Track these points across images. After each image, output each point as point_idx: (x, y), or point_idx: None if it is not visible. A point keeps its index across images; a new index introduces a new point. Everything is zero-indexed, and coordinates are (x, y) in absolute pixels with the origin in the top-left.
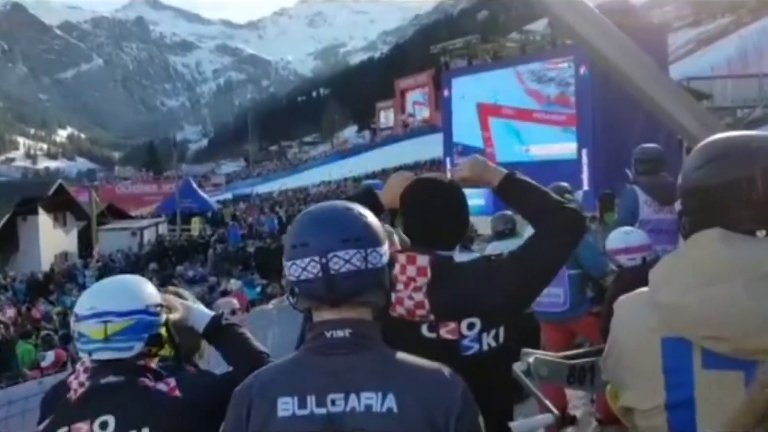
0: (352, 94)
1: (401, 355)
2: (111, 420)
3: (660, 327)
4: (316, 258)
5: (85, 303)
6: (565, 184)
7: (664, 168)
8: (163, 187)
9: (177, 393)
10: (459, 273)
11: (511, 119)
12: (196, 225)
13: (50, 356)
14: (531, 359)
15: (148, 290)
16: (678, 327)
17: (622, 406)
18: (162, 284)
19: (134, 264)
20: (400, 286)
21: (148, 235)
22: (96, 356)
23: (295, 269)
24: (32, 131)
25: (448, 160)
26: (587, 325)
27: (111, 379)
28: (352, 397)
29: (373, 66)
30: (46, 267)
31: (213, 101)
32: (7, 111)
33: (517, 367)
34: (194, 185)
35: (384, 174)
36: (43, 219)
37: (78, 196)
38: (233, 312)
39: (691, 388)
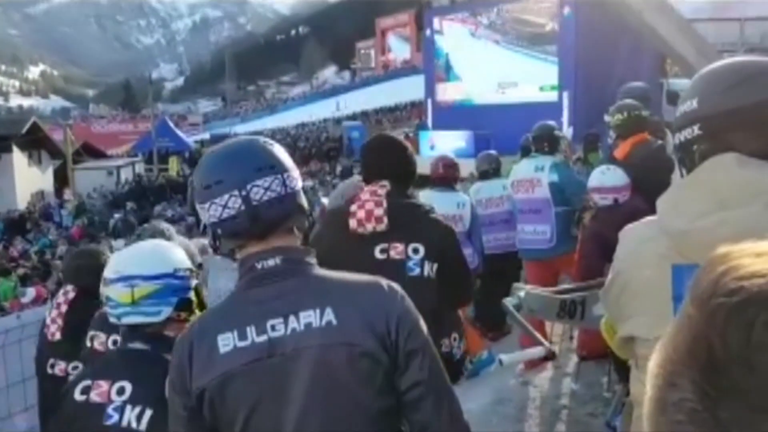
0: (331, 33)
1: (336, 274)
2: (128, 387)
3: (670, 253)
4: (236, 192)
5: (112, 267)
6: (552, 123)
7: (648, 107)
8: (139, 126)
9: None
10: (411, 206)
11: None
12: (173, 164)
13: (30, 292)
14: (522, 293)
15: (177, 254)
16: (690, 253)
17: (623, 336)
18: (140, 224)
19: (111, 203)
20: (368, 205)
21: (125, 175)
22: (124, 320)
23: (215, 209)
24: (3, 68)
25: (429, 101)
26: (572, 262)
27: (137, 345)
28: (291, 318)
29: (354, 4)
30: (22, 206)
31: (189, 39)
32: None
33: (509, 302)
34: (171, 124)
35: (364, 116)
36: (18, 157)
37: (53, 134)
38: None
39: None
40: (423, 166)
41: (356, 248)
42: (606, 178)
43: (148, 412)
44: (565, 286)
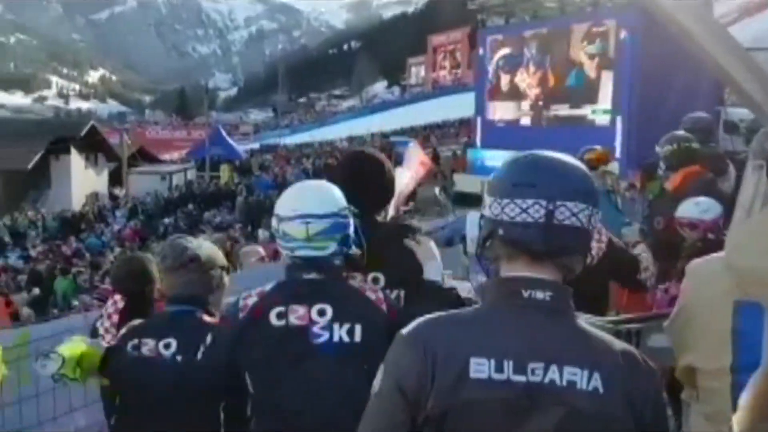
0: (383, 48)
1: (593, 329)
2: (329, 309)
3: (734, 290)
4: (543, 202)
5: (287, 205)
6: (597, 147)
7: (711, 139)
8: (192, 133)
9: (384, 307)
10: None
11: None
12: (224, 172)
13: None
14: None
15: (338, 195)
16: (752, 291)
17: (686, 366)
18: (190, 229)
19: (164, 207)
20: None
21: (177, 180)
22: (298, 253)
23: (513, 209)
24: (65, 71)
25: (479, 120)
26: (615, 292)
27: (313, 275)
28: (553, 368)
29: (407, 20)
30: (77, 206)
31: (244, 49)
32: (41, 50)
33: None
34: (224, 133)
35: (412, 131)
36: (75, 159)
37: (109, 137)
38: (261, 259)
39: (759, 352)
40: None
41: None
42: (706, 213)
43: (358, 327)
44: (625, 316)
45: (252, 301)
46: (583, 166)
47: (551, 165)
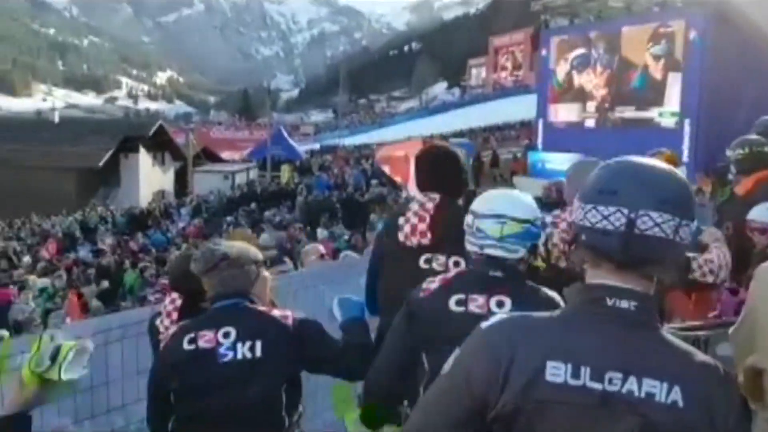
0: (444, 49)
1: (678, 342)
2: (508, 302)
3: None
4: (625, 210)
5: (485, 204)
6: (665, 150)
7: None
8: (254, 133)
9: None
10: (458, 220)
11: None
12: (285, 172)
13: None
14: None
15: (535, 205)
16: None
17: (753, 367)
18: (252, 227)
19: (226, 206)
20: (413, 219)
21: (239, 179)
22: (487, 251)
23: (595, 215)
24: (134, 72)
25: (540, 122)
26: (675, 298)
27: (498, 273)
28: (632, 379)
29: (468, 22)
30: (144, 203)
31: (306, 51)
32: (113, 51)
33: None
34: (285, 134)
35: (472, 133)
36: (144, 157)
37: (175, 137)
38: (322, 256)
39: None
40: (532, 188)
41: (404, 257)
42: None
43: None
44: (692, 323)
45: (434, 285)
46: (679, 175)
47: (638, 172)
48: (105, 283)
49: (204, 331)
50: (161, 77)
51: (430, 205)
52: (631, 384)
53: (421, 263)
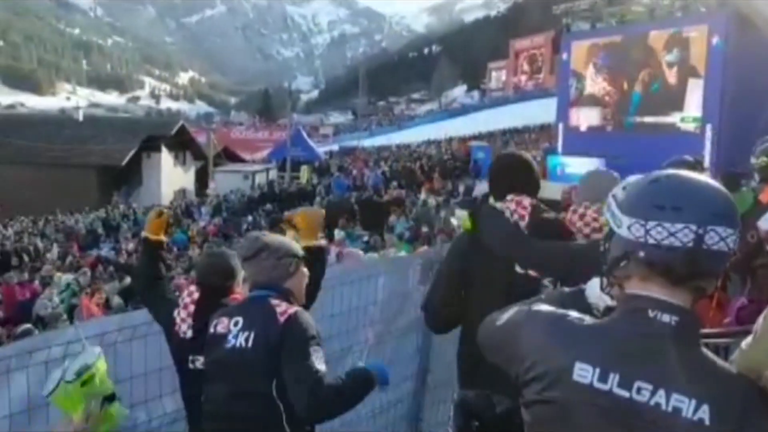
0: (463, 52)
1: (717, 361)
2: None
3: None
4: (693, 227)
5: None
6: (689, 158)
7: None
8: (274, 134)
9: None
10: (553, 222)
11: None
12: (304, 173)
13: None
14: None
15: None
16: None
17: None
18: (271, 227)
19: (246, 205)
20: (514, 217)
21: (259, 179)
22: None
23: (661, 232)
24: (157, 72)
25: (560, 125)
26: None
27: None
28: (661, 392)
29: (489, 24)
30: (165, 202)
31: (326, 53)
32: (136, 51)
33: None
34: (304, 135)
35: (491, 136)
36: (165, 157)
37: (197, 137)
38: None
39: None
40: (551, 192)
41: (496, 258)
42: None
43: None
44: (710, 330)
45: None
46: (722, 190)
47: (698, 188)
48: (127, 280)
49: (224, 317)
50: (183, 77)
51: (527, 204)
52: (660, 397)
53: (517, 267)
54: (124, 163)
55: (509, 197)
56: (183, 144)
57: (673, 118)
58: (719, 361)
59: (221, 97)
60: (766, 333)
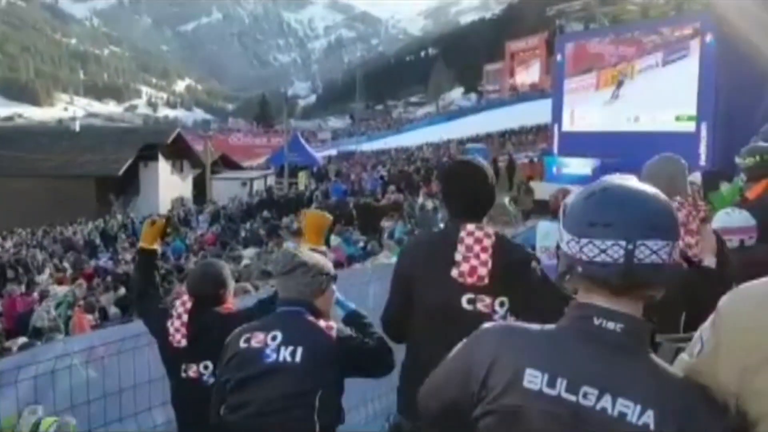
0: (460, 54)
1: (665, 368)
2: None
3: None
4: (622, 243)
5: None
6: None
7: None
8: (272, 140)
9: None
10: (513, 260)
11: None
12: (302, 179)
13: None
14: None
15: None
16: None
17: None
18: (269, 234)
19: (245, 212)
20: (473, 261)
21: (257, 186)
22: None
23: (592, 249)
24: (154, 80)
25: (556, 127)
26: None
27: None
28: (607, 397)
29: (484, 27)
30: (163, 211)
31: (323, 58)
32: (132, 60)
33: None
34: (302, 140)
35: (488, 138)
36: (162, 165)
37: (194, 144)
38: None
39: None
40: (548, 193)
41: (444, 288)
42: (732, 219)
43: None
44: (677, 335)
45: None
46: (662, 196)
47: (627, 200)
48: (122, 290)
49: (258, 332)
50: (180, 85)
51: (488, 243)
52: (606, 402)
53: (464, 303)
54: (121, 172)
55: (470, 227)
56: (180, 152)
57: (668, 117)
58: (666, 366)
59: (218, 104)
60: (708, 357)
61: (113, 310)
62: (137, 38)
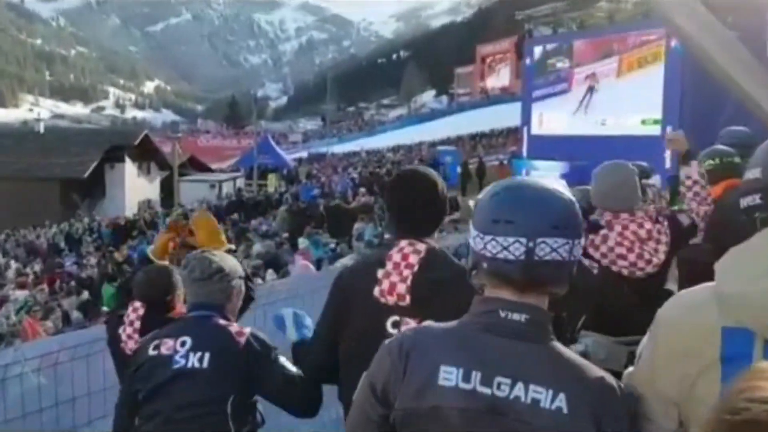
0: (431, 57)
1: (569, 353)
2: None
3: (721, 317)
4: (523, 240)
5: None
6: (644, 164)
7: (752, 152)
8: (242, 141)
9: None
10: (439, 278)
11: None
12: (272, 181)
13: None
14: (589, 341)
15: None
16: (741, 316)
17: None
18: (237, 237)
19: (214, 215)
20: (393, 277)
21: (226, 188)
22: None
23: (495, 246)
24: (122, 82)
25: (525, 130)
26: None
27: None
28: (519, 385)
29: (455, 30)
30: (129, 213)
31: (294, 59)
32: (99, 61)
33: (575, 349)
34: (272, 142)
35: (459, 140)
36: (129, 167)
37: (162, 146)
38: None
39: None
40: None
41: (368, 310)
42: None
43: None
44: (632, 338)
45: None
46: (566, 195)
47: (530, 199)
48: (85, 294)
49: (167, 339)
50: (149, 86)
51: (414, 259)
52: (519, 390)
53: (388, 326)
54: (86, 174)
55: (403, 243)
56: (147, 154)
57: (634, 121)
58: (571, 354)
59: (188, 105)
60: (645, 365)
61: (75, 315)
62: (105, 39)
